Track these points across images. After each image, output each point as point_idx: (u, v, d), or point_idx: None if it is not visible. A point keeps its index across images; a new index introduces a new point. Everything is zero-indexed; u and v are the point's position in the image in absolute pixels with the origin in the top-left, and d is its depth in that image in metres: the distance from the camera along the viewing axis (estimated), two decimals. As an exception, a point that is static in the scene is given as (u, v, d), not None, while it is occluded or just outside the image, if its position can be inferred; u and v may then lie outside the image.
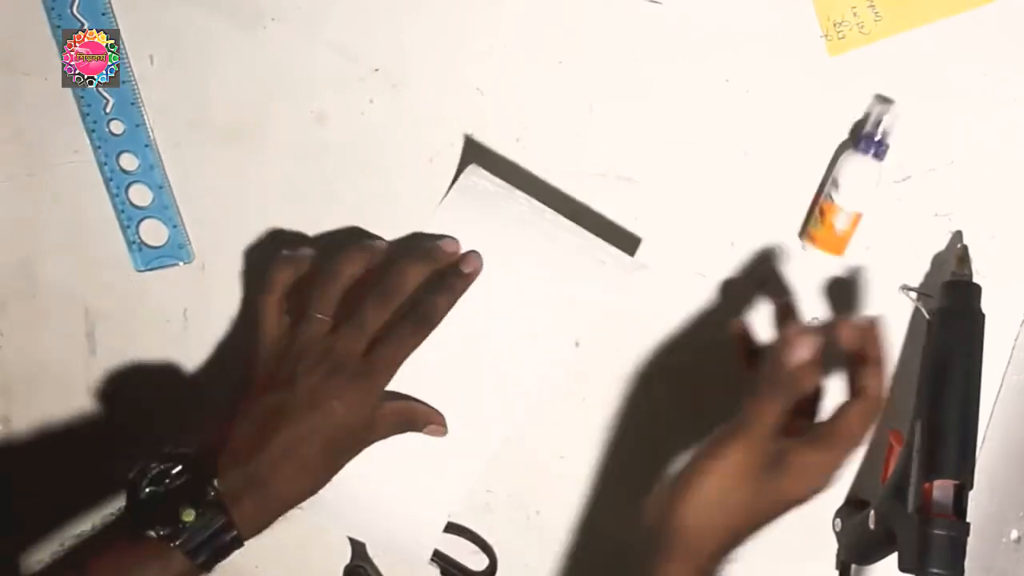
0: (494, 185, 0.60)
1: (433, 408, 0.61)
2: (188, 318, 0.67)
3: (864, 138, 0.57)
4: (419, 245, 0.59)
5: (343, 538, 0.68)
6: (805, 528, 0.65)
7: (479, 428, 0.61)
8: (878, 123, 0.57)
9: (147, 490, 0.53)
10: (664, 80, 0.59)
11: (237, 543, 0.54)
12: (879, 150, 0.57)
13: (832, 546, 0.64)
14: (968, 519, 0.53)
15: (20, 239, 0.67)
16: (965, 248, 0.58)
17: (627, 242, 0.62)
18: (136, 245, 0.66)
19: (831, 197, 0.58)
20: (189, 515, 0.52)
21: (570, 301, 0.60)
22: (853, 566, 0.63)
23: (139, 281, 0.66)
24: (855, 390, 0.54)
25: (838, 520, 0.64)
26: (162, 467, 0.54)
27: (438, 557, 0.66)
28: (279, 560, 0.70)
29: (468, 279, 0.59)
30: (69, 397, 0.69)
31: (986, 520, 0.58)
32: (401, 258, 0.59)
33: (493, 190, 0.60)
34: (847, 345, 0.54)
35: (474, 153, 0.62)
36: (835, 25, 0.57)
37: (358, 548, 0.68)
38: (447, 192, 0.60)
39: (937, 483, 0.53)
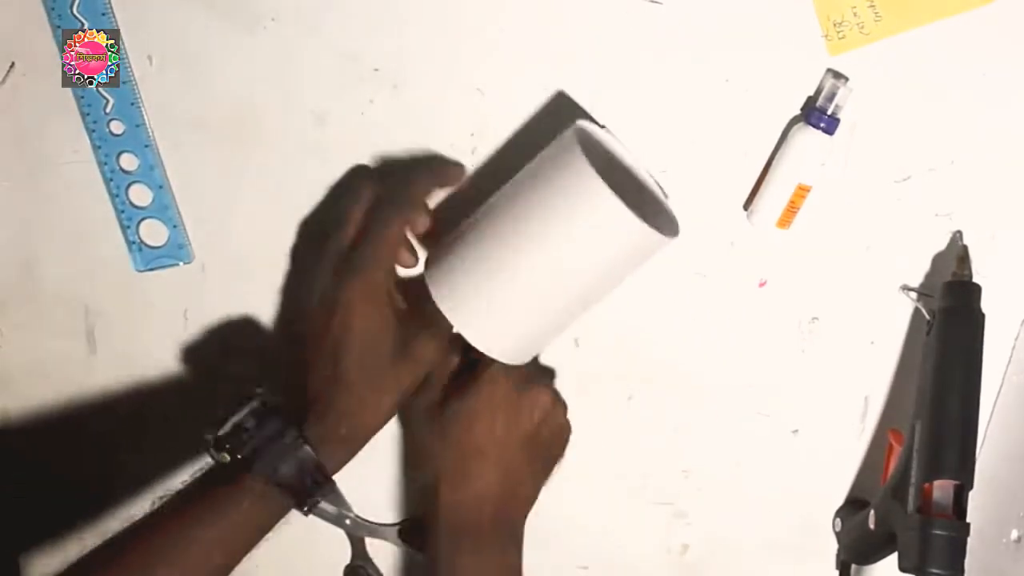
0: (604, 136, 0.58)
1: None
2: (188, 318, 0.67)
3: (814, 111, 0.57)
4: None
5: (343, 538, 0.68)
6: (805, 528, 0.66)
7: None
8: (830, 98, 0.57)
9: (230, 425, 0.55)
10: (664, 80, 0.59)
11: (320, 468, 0.56)
12: (829, 125, 0.57)
13: (832, 546, 0.64)
14: (968, 519, 0.53)
15: (20, 239, 0.67)
16: (965, 248, 0.58)
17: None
18: (136, 245, 0.66)
19: (776, 167, 0.58)
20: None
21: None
22: (853, 566, 0.63)
23: (139, 281, 0.66)
24: None
25: (838, 520, 0.64)
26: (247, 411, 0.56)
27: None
28: (279, 560, 0.69)
29: (456, 171, 0.61)
30: (68, 397, 0.69)
31: (986, 520, 0.58)
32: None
33: (604, 138, 0.58)
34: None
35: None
36: (835, 25, 0.57)
37: (358, 547, 0.68)
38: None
39: (937, 483, 0.54)
